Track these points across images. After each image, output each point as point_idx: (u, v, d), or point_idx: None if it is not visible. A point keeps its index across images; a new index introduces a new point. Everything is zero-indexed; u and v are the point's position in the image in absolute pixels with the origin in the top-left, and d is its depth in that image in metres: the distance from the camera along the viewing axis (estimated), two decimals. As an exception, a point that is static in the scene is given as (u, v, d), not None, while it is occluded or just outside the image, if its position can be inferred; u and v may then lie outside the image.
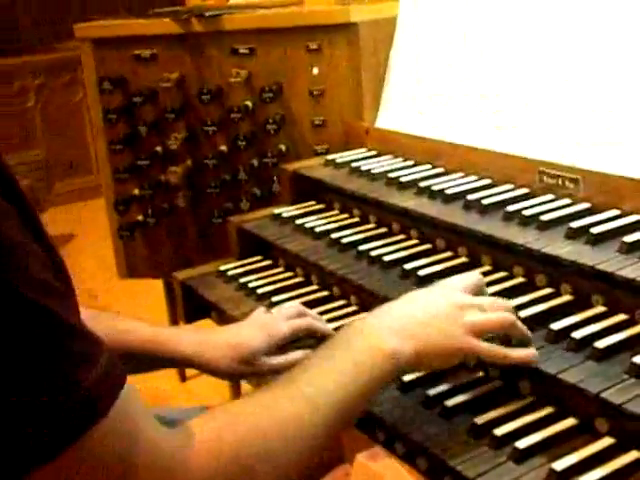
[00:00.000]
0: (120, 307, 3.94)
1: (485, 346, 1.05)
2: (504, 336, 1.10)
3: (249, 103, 1.97)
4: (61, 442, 0.69)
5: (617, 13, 1.44)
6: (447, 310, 1.04)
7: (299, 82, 1.96)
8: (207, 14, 1.97)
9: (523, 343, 1.11)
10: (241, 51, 1.97)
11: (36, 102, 5.62)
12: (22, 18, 5.78)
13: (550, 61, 1.53)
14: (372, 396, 1.01)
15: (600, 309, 1.17)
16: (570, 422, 1.06)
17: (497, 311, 1.07)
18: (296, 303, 1.42)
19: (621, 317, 1.14)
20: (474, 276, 1.15)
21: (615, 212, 1.29)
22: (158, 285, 2.59)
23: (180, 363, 1.27)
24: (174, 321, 2.61)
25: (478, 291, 1.13)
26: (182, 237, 2.10)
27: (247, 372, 1.25)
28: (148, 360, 1.24)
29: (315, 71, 1.95)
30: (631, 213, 1.28)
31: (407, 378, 1.19)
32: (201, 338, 1.26)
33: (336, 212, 1.75)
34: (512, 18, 1.63)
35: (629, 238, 1.18)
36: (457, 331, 1.03)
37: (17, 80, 5.55)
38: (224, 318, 1.62)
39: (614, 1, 1.45)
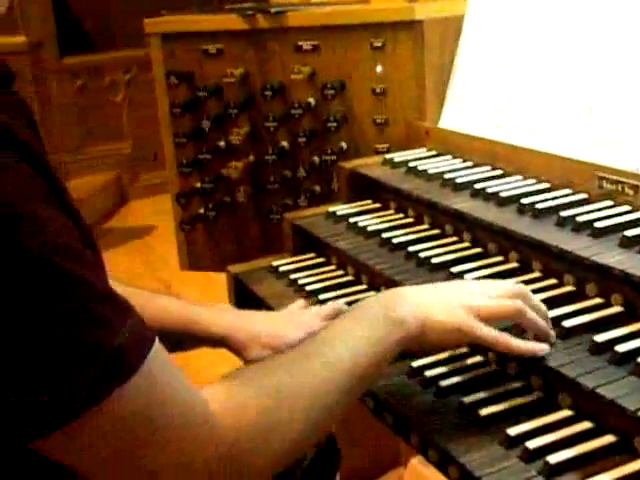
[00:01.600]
0: (191, 297, 4.04)
1: (485, 330, 1.04)
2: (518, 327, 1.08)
3: (311, 100, 1.97)
4: (89, 400, 0.72)
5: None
6: (456, 292, 1.07)
7: (362, 80, 1.94)
8: (272, 10, 1.98)
9: (539, 337, 1.08)
10: (305, 48, 1.97)
11: (125, 96, 5.79)
12: (115, 13, 5.95)
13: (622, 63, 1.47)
14: (383, 365, 1.03)
15: (650, 321, 1.12)
16: (608, 439, 1.01)
17: (506, 298, 1.06)
18: (340, 302, 1.40)
19: (673, 330, 1.08)
20: (509, 284, 1.14)
21: (675, 221, 1.23)
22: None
23: (213, 343, 1.28)
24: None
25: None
26: (242, 231, 2.12)
27: None
28: (182, 338, 1.25)
29: (378, 69, 1.93)
30: (693, 223, 1.21)
31: (444, 383, 1.17)
32: (236, 320, 1.27)
33: (391, 212, 1.73)
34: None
35: (684, 249, 1.11)
36: (459, 310, 1.04)
37: (108, 75, 5.73)
38: (272, 313, 1.62)
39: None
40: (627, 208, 1.31)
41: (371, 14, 1.92)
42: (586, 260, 1.19)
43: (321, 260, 1.74)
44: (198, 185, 2.11)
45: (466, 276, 1.34)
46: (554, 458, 0.97)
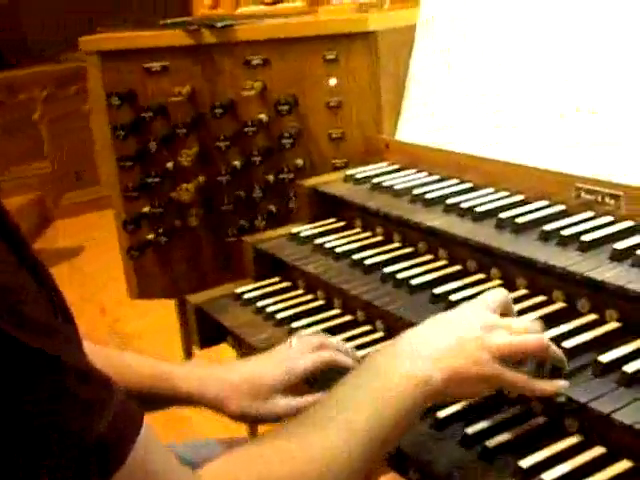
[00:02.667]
0: (129, 322, 3.89)
1: (509, 376, 0.97)
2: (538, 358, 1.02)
3: (264, 116, 1.89)
4: None
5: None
6: (475, 332, 0.97)
7: (316, 94, 1.88)
8: (219, 24, 1.89)
9: (556, 367, 1.03)
10: (254, 62, 1.89)
11: (42, 113, 5.58)
12: (28, 27, 5.73)
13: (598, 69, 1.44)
14: (407, 426, 0.93)
15: (652, 337, 1.08)
16: (623, 465, 0.97)
17: (526, 332, 1.00)
18: (319, 333, 1.33)
19: (677, 347, 1.05)
20: (501, 293, 1.07)
21: (662, 231, 1.20)
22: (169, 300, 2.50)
23: (184, 401, 1.17)
24: (187, 343, 2.53)
25: (506, 309, 1.05)
26: (196, 256, 2.02)
27: (260, 412, 1.14)
28: (150, 398, 1.14)
29: (332, 82, 1.86)
30: (680, 232, 1.18)
31: (443, 414, 1.10)
32: (207, 372, 1.17)
33: (358, 230, 1.67)
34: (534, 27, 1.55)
35: (682, 261, 1.08)
36: (484, 356, 0.95)
37: (23, 92, 5.51)
38: (242, 344, 1.54)
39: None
40: (610, 219, 1.28)
41: (323, 26, 1.86)
42: (578, 276, 1.15)
43: (287, 285, 1.66)
44: (147, 210, 2.00)
45: (451, 297, 1.28)
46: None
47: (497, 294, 1.07)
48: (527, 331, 1.00)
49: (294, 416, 0.92)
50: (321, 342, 1.24)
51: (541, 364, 1.02)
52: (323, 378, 1.21)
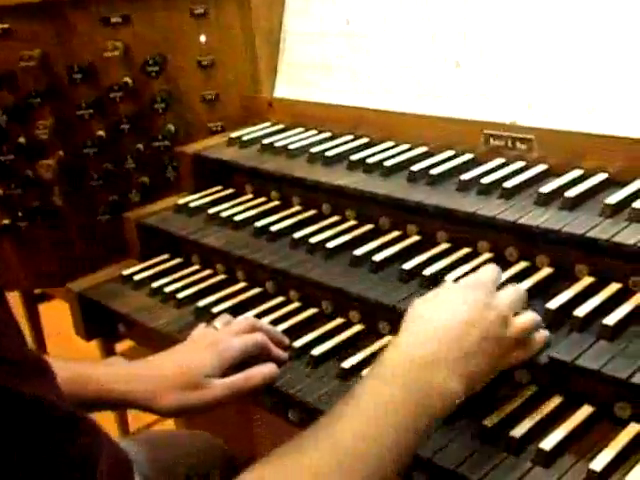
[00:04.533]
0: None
1: (521, 355, 0.93)
2: None
3: (129, 80, 1.72)
4: None
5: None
6: (495, 330, 0.89)
7: (185, 52, 1.73)
8: (68, -22, 1.69)
9: None
10: (113, 20, 1.71)
11: None
12: None
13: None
14: (426, 434, 0.84)
15: (588, 280, 1.07)
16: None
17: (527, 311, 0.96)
18: (249, 316, 1.21)
19: (615, 287, 1.04)
20: (494, 271, 1.01)
21: (579, 172, 1.19)
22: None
23: (111, 404, 1.04)
24: (39, 338, 2.34)
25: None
26: (63, 240, 1.82)
27: (196, 401, 1.02)
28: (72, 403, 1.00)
29: (202, 39, 1.72)
30: (596, 172, 1.18)
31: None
32: (132, 372, 1.03)
33: (250, 197, 1.56)
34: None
35: (612, 199, 1.07)
36: (507, 351, 0.91)
37: None
38: (139, 331, 1.40)
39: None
40: (522, 164, 1.26)
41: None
42: (508, 224, 1.11)
43: (179, 261, 1.53)
44: (0, 192, 1.78)
45: (374, 258, 1.21)
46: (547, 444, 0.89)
47: (490, 273, 1.00)
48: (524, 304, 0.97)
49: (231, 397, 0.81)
50: (251, 324, 1.14)
51: None
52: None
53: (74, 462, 0.54)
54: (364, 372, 1.06)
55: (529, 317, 0.94)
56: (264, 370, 1.06)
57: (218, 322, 1.14)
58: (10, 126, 1.74)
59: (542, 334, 0.96)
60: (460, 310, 0.88)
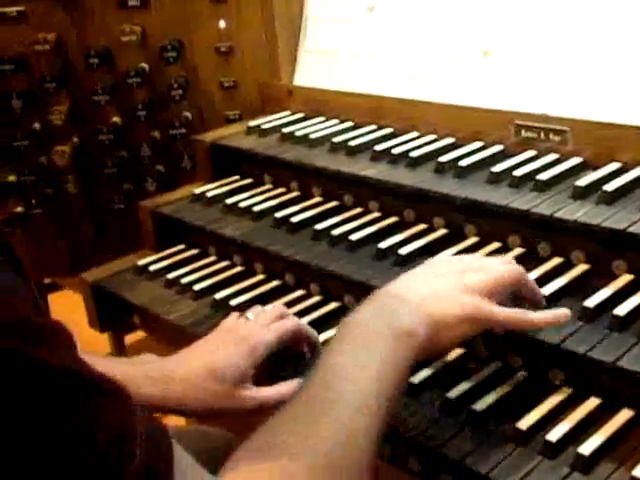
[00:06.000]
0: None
1: (500, 310, 0.88)
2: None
3: (145, 65, 1.68)
4: None
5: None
6: (450, 277, 0.89)
7: (203, 38, 1.69)
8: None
9: (535, 306, 0.95)
10: (130, 3, 1.66)
11: None
12: None
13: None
14: (403, 382, 0.83)
15: (626, 277, 1.02)
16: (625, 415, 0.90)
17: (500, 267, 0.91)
18: (279, 305, 1.16)
19: (654, 285, 0.99)
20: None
21: (616, 165, 1.14)
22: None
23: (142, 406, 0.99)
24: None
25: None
26: (76, 228, 1.78)
27: (226, 409, 0.98)
28: None
29: (222, 24, 1.68)
30: (634, 165, 1.13)
31: (416, 380, 1.00)
32: (166, 373, 0.98)
33: (269, 187, 1.51)
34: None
35: (653, 194, 1.03)
36: (465, 298, 0.86)
37: None
38: (154, 324, 1.36)
39: None
40: (555, 156, 1.21)
41: (208, -40, 1.66)
42: (543, 218, 1.07)
43: (196, 252, 1.49)
44: (13, 179, 1.74)
45: (400, 251, 1.17)
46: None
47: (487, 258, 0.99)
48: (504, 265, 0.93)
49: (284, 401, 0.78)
50: (281, 312, 1.09)
51: (518, 303, 0.94)
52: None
53: (114, 432, 0.52)
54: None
55: (504, 267, 0.92)
56: (295, 385, 1.01)
57: (250, 313, 1.10)
58: (25, 111, 1.70)
59: (559, 312, 0.91)
60: (414, 271, 0.92)
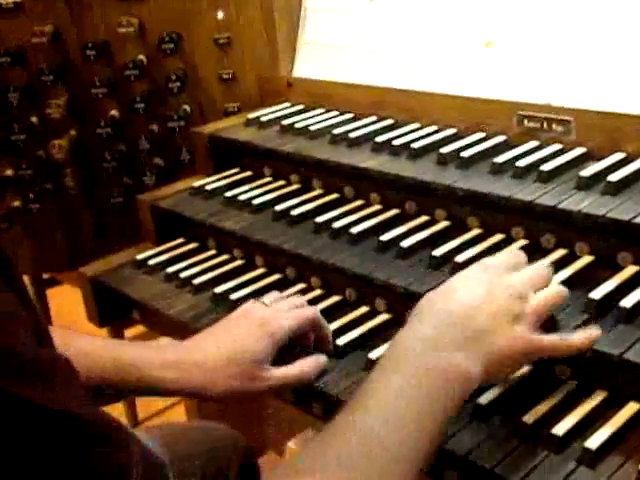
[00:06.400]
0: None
1: (547, 341, 0.84)
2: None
3: (143, 57, 1.66)
4: None
5: None
6: (508, 304, 0.82)
7: (202, 30, 1.67)
8: (82, -49, 1.63)
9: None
10: (128, -5, 1.65)
11: None
12: None
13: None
14: (451, 418, 0.79)
15: (632, 269, 1.01)
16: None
17: (550, 285, 0.88)
18: (300, 297, 1.14)
19: (662, 277, 0.98)
20: (508, 254, 0.93)
21: (620, 155, 1.13)
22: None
23: (157, 391, 0.98)
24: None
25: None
26: (75, 223, 1.77)
27: (248, 390, 0.97)
28: (113, 390, 0.95)
29: (220, 16, 1.66)
30: (639, 156, 1.11)
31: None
32: (183, 358, 0.97)
33: (269, 180, 1.50)
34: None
35: (660, 184, 1.01)
36: (518, 329, 0.81)
37: None
38: (154, 318, 1.34)
39: None
40: (558, 147, 1.20)
41: (205, -50, 1.64)
42: (548, 209, 1.05)
43: (195, 246, 1.47)
44: (10, 173, 1.73)
45: (402, 244, 1.15)
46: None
47: (507, 255, 0.93)
48: (549, 281, 0.88)
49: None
50: (301, 302, 1.08)
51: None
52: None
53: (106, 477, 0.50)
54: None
55: (552, 289, 0.87)
56: (319, 360, 1.00)
57: (267, 298, 1.08)
58: (22, 105, 1.68)
59: (592, 332, 0.88)
60: (467, 293, 0.83)
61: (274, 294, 1.12)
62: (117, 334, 2.11)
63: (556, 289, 0.88)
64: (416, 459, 0.71)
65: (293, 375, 0.98)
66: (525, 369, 0.97)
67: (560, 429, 0.86)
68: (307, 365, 1.00)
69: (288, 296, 1.13)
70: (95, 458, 0.49)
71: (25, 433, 0.46)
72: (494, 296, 0.82)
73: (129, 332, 2.14)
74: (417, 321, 0.82)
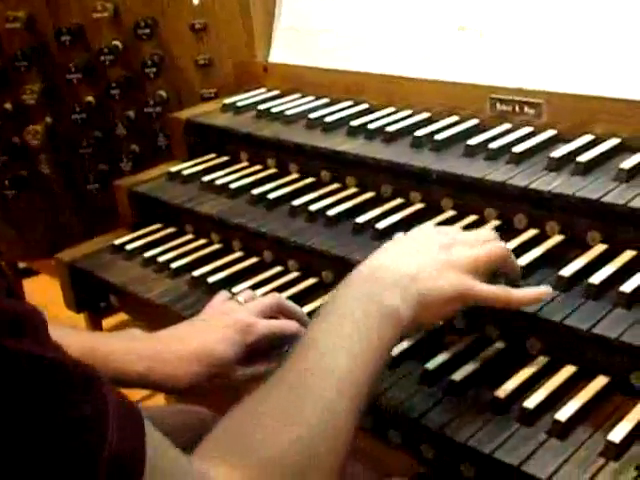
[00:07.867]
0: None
1: (485, 287, 0.87)
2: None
3: (119, 43, 1.66)
4: None
5: None
6: (437, 252, 0.87)
7: (178, 15, 1.67)
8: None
9: (513, 282, 0.95)
10: (102, -20, 1.64)
11: None
12: None
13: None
14: (386, 357, 0.82)
15: (601, 247, 1.03)
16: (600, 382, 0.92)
17: (486, 243, 0.91)
18: (277, 294, 1.11)
19: (629, 255, 1.01)
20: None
21: (589, 137, 1.15)
22: None
23: (128, 383, 0.97)
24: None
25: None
26: (51, 210, 1.77)
27: (215, 386, 0.98)
28: None
29: (196, 1, 1.66)
30: (608, 137, 1.14)
31: (395, 352, 1.00)
32: (155, 349, 0.97)
33: (245, 164, 1.51)
34: None
35: (627, 164, 1.04)
36: (450, 274, 0.85)
37: None
38: (132, 303, 1.35)
39: None
40: (530, 129, 1.22)
41: None
42: (519, 189, 1.07)
43: (173, 230, 1.48)
44: (-15, 160, 1.72)
45: (377, 225, 1.17)
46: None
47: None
48: (487, 242, 0.92)
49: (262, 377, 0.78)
50: (276, 302, 1.05)
51: (495, 279, 0.94)
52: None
53: (85, 423, 0.50)
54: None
55: (493, 243, 0.91)
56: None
57: (241, 296, 1.08)
58: (-5, 91, 1.68)
59: (541, 289, 0.91)
60: (403, 240, 0.92)
61: (248, 292, 1.11)
62: (95, 324, 2.11)
63: (497, 242, 0.92)
64: (359, 394, 0.74)
65: (260, 370, 0.98)
66: (499, 345, 1.00)
67: (531, 402, 0.89)
68: (275, 362, 0.99)
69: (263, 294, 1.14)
70: (70, 401, 0.50)
71: (1, 378, 0.47)
72: (427, 246, 0.88)
73: (107, 322, 2.14)
74: (351, 277, 0.85)
